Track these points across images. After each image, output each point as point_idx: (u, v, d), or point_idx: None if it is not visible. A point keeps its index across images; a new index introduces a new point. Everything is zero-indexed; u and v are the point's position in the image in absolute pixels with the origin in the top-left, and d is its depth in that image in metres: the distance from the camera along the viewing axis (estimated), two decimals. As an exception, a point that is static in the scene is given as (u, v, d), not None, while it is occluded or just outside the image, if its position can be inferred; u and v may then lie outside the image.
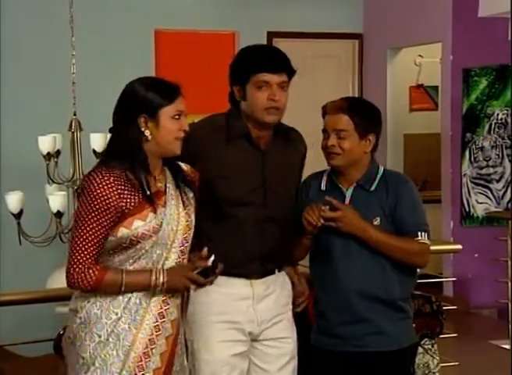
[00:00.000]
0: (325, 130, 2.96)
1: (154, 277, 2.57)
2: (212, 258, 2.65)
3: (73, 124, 4.81)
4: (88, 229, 2.54)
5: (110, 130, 2.67)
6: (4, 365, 4.82)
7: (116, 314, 2.59)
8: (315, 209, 2.84)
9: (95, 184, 2.53)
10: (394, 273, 2.93)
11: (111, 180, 2.54)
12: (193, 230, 2.72)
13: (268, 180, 2.94)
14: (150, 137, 2.59)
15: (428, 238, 2.94)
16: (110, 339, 2.58)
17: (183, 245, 2.68)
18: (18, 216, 4.49)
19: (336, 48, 7.71)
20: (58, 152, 4.80)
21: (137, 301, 2.61)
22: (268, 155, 2.96)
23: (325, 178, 3.02)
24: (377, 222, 2.90)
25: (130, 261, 2.60)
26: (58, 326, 3.36)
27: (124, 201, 2.55)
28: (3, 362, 4.89)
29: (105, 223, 2.54)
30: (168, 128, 2.61)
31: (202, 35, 7.15)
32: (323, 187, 3.01)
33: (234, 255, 2.91)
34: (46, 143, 4.71)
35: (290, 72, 2.92)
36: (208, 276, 2.67)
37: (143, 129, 2.59)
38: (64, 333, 2.78)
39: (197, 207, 2.76)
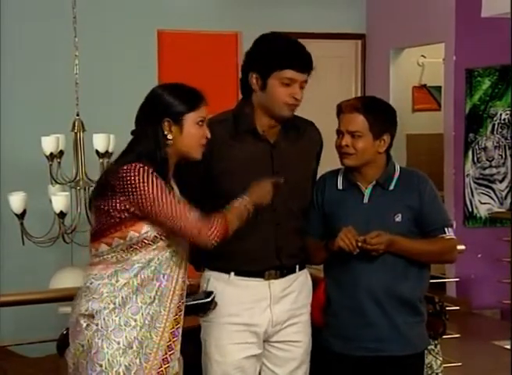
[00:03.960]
0: (339, 130, 2.94)
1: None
2: (212, 296, 2.80)
3: (76, 125, 4.81)
4: (170, 199, 2.56)
5: (132, 133, 2.69)
6: (6, 365, 4.83)
7: (135, 320, 2.59)
8: (351, 238, 2.80)
9: (142, 172, 2.55)
10: (412, 272, 2.93)
11: (150, 171, 2.57)
12: None
13: (278, 173, 2.90)
14: (171, 142, 2.63)
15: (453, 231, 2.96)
16: (134, 347, 2.58)
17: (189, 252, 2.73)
18: (21, 216, 4.49)
19: (339, 48, 7.70)
20: (61, 153, 4.80)
21: (158, 308, 2.62)
22: (278, 148, 2.93)
23: (340, 177, 3.00)
24: (398, 218, 2.89)
25: (152, 268, 2.60)
26: (61, 327, 3.36)
27: None
28: (6, 362, 4.89)
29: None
30: (192, 133, 2.65)
31: (205, 36, 7.14)
32: (340, 186, 2.99)
33: (248, 251, 2.89)
34: (49, 143, 4.71)
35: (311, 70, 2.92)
36: (204, 311, 2.80)
37: (166, 133, 2.62)
38: (67, 333, 2.77)
39: None
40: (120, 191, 2.55)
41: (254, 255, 2.91)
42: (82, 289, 2.68)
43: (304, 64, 2.88)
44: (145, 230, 2.58)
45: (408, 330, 2.93)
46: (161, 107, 2.63)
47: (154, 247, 2.60)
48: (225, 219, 2.64)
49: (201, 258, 2.86)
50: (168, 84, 2.73)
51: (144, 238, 2.58)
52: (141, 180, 2.53)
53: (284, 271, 2.96)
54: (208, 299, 2.81)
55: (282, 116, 2.90)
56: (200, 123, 2.67)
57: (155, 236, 2.59)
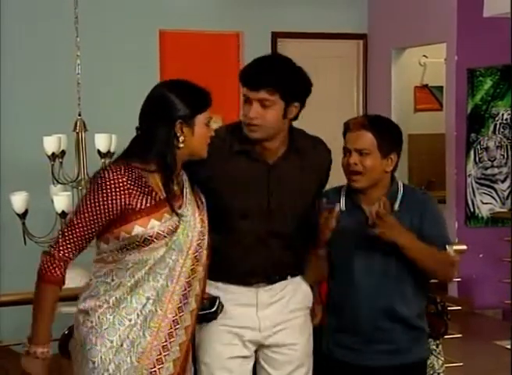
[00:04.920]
0: (346, 148, 2.90)
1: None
2: (216, 304, 2.82)
3: (78, 125, 4.82)
4: (84, 220, 2.55)
5: (137, 130, 2.68)
6: (8, 365, 4.83)
7: (130, 320, 2.58)
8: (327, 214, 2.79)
9: (105, 180, 2.54)
10: (414, 290, 2.93)
11: (123, 179, 2.54)
12: (207, 236, 2.72)
13: (273, 195, 2.86)
14: (183, 143, 2.62)
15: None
16: (124, 345, 2.57)
17: (197, 251, 2.68)
18: (23, 216, 4.50)
19: (341, 48, 7.71)
20: (62, 153, 4.80)
21: (153, 308, 2.60)
22: (276, 170, 2.87)
23: (343, 197, 2.96)
24: None
25: (146, 267, 2.59)
26: (63, 326, 3.35)
27: (134, 200, 2.55)
28: (7, 361, 4.90)
29: (102, 220, 2.55)
30: (201, 133, 2.66)
31: (207, 35, 7.14)
32: (343, 207, 2.92)
33: (237, 268, 2.89)
34: (51, 143, 4.72)
35: (276, 88, 2.74)
36: (209, 319, 2.81)
37: (178, 134, 2.61)
38: (69, 333, 2.78)
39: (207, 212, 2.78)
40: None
41: (242, 276, 2.89)
42: (83, 286, 2.71)
43: (252, 81, 2.78)
44: (135, 231, 2.56)
45: (407, 344, 2.95)
46: (171, 109, 2.61)
47: (146, 248, 2.58)
48: (62, 281, 2.60)
49: None
50: (173, 84, 2.70)
51: (135, 240, 2.57)
52: (95, 188, 2.55)
53: (276, 278, 2.94)
54: (212, 309, 2.83)
55: (247, 137, 2.83)
56: (208, 123, 2.68)
57: (146, 238, 2.57)
